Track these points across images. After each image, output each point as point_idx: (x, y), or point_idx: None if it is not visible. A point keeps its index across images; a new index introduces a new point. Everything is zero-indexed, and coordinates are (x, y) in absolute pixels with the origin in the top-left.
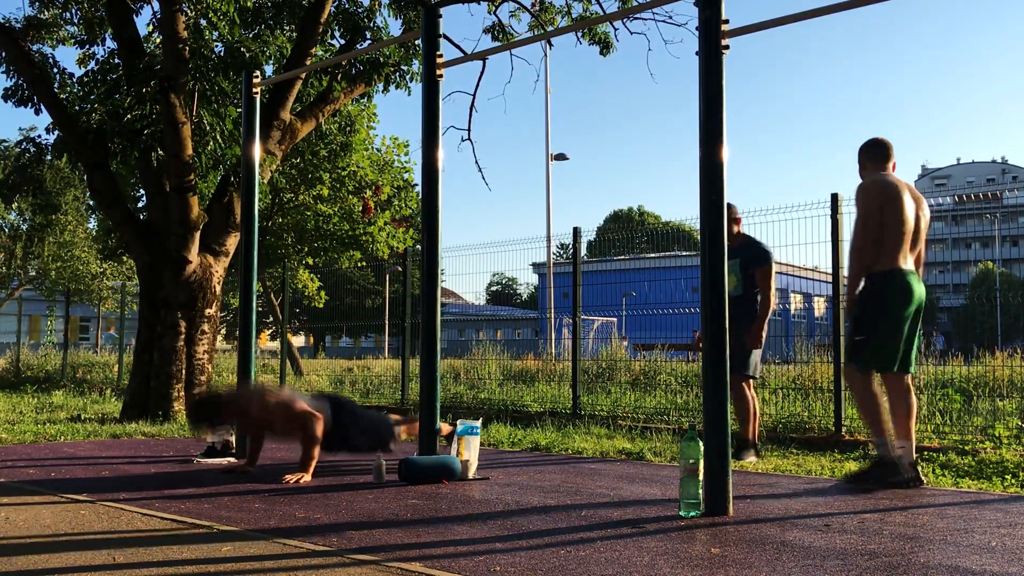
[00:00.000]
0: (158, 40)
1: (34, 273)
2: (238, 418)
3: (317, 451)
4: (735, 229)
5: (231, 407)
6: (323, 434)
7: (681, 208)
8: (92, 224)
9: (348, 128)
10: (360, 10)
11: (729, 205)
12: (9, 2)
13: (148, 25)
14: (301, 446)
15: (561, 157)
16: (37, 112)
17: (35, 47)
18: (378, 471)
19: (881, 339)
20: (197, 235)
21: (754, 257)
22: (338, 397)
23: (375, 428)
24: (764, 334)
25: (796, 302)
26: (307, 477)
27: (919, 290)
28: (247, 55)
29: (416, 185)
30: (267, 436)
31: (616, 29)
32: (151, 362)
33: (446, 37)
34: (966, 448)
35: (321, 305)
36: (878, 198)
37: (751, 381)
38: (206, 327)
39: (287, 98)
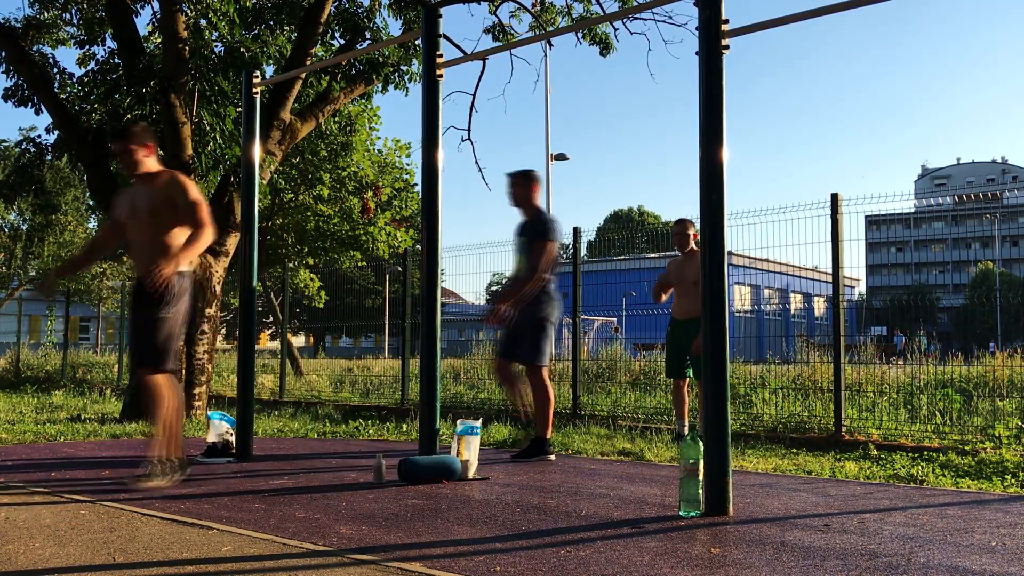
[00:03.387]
0: (158, 40)
1: (34, 273)
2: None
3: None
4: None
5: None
6: None
7: (681, 208)
8: (92, 224)
9: (348, 128)
10: (360, 10)
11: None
12: (9, 2)
13: (148, 25)
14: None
15: (561, 157)
16: (37, 112)
17: (35, 47)
18: (378, 471)
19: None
20: None
21: (536, 232)
22: None
23: None
24: (514, 309)
25: (796, 302)
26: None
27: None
28: (247, 55)
29: (416, 185)
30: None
31: (616, 29)
32: None
33: (446, 37)
34: (966, 448)
35: (321, 305)
36: None
37: (544, 370)
38: (206, 327)
39: (287, 98)
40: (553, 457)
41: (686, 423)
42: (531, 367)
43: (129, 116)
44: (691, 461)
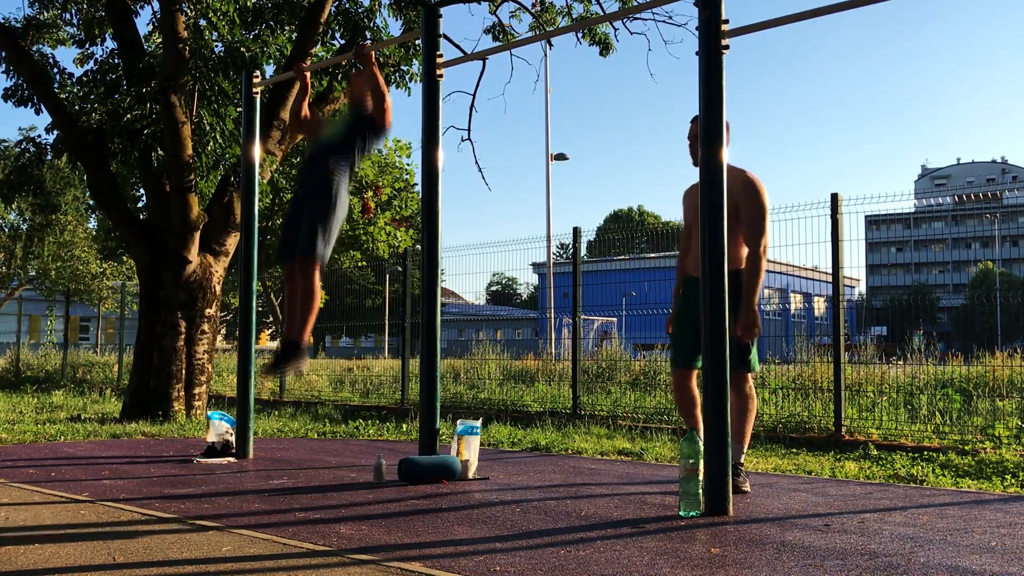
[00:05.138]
0: (158, 40)
1: (34, 273)
2: None
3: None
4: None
5: None
6: None
7: (681, 208)
8: (92, 224)
9: None
10: (360, 10)
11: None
12: (9, 2)
13: (148, 25)
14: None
15: (561, 157)
16: (37, 112)
17: (35, 47)
18: (378, 471)
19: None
20: (197, 235)
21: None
22: None
23: None
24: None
25: (796, 302)
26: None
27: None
28: (247, 55)
29: (416, 185)
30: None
31: (616, 29)
32: (151, 362)
33: (446, 37)
34: (966, 448)
35: (321, 305)
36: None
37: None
38: (206, 327)
39: (287, 98)
40: (305, 368)
41: (701, 425)
42: (310, 260)
43: (129, 116)
44: (691, 461)
